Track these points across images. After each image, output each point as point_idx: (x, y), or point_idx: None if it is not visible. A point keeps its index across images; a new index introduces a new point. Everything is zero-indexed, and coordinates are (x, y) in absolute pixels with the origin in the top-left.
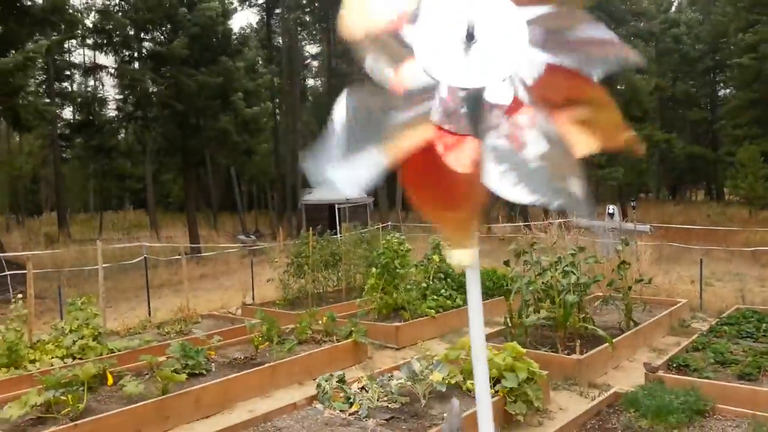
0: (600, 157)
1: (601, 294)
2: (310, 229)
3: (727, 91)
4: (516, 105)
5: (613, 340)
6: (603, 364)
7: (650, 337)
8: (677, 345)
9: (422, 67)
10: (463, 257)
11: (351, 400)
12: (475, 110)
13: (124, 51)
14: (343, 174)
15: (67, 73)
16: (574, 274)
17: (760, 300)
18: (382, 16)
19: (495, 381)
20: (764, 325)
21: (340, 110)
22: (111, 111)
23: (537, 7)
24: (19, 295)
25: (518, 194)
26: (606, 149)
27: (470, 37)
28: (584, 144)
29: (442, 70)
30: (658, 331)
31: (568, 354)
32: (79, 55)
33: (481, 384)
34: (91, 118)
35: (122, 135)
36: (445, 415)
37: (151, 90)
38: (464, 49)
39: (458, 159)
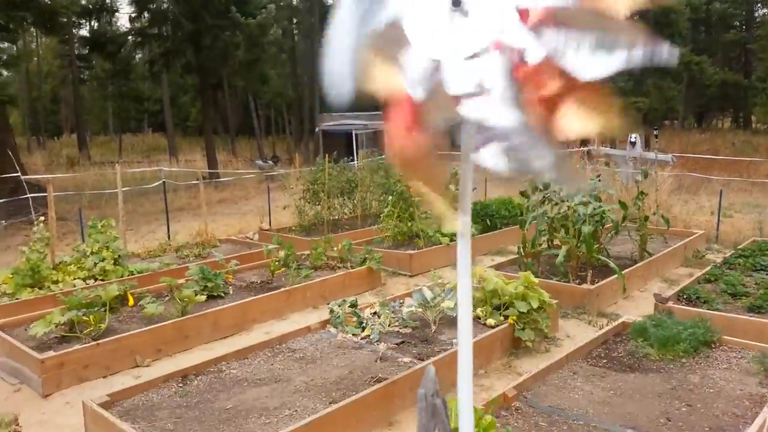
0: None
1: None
2: (326, 156)
3: (765, 11)
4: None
5: (625, 271)
6: (613, 294)
7: (663, 268)
8: (690, 276)
9: (413, 42)
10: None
11: (363, 325)
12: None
13: None
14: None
15: None
16: (591, 203)
17: None
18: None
19: (506, 307)
20: None
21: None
22: (125, 27)
23: None
24: (42, 218)
25: (602, 63)
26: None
27: (456, 2)
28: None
29: (431, 43)
30: (672, 262)
31: (579, 284)
32: None
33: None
34: (106, 32)
35: (139, 55)
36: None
37: (164, 7)
38: (450, 15)
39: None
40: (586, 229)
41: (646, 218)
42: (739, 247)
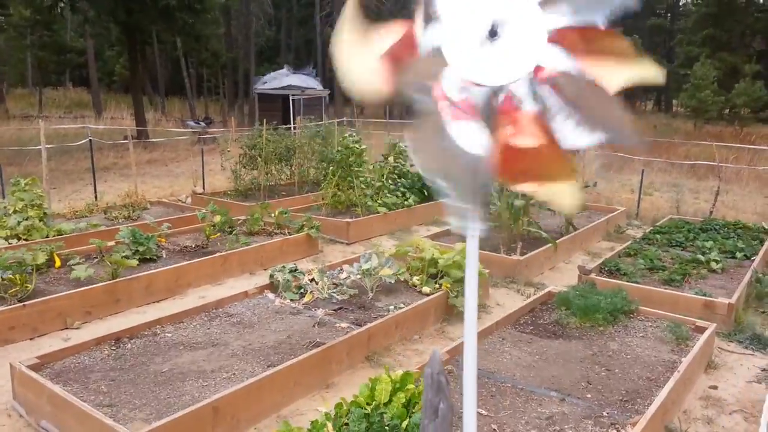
0: None
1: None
2: (264, 121)
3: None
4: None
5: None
6: (540, 265)
7: (587, 241)
8: (611, 250)
9: (449, 63)
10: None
11: (302, 291)
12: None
13: None
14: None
15: None
16: None
17: (693, 211)
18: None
19: (441, 276)
20: (693, 234)
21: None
22: None
23: None
24: None
25: (580, 138)
26: (630, 82)
27: (493, 33)
28: (615, 80)
29: (467, 67)
30: (595, 236)
31: (510, 255)
32: None
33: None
34: None
35: (62, 4)
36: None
37: None
38: (487, 45)
39: (527, 135)
40: (518, 202)
41: None
42: (657, 224)
